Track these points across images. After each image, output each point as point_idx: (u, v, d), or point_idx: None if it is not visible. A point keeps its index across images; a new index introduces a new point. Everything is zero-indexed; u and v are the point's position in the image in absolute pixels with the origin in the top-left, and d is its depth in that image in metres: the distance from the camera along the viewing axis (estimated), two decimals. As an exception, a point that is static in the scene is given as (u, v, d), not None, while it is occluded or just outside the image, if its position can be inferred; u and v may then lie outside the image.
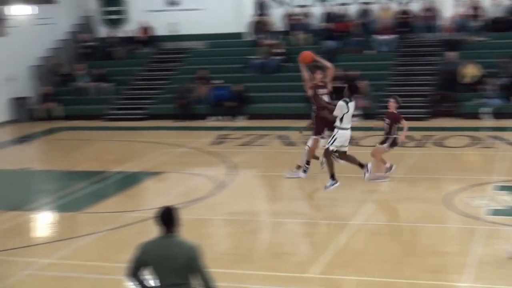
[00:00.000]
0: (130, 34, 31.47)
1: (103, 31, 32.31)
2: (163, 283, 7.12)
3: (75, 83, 29.39)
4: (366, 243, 12.54)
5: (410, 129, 22.44)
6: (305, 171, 16.58)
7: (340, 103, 15.35)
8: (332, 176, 15.76)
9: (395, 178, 16.74)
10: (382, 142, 16.88)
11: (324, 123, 16.15)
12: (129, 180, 18.03)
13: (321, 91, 16.42)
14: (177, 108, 26.82)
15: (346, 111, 15.47)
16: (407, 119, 23.90)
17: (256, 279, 11.07)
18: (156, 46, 31.24)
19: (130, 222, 14.12)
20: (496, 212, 13.81)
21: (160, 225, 7.11)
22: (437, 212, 14.17)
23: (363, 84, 25.25)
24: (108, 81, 29.30)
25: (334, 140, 15.57)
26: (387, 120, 16.91)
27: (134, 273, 7.32)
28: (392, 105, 16.90)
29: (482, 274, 10.83)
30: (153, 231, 7.40)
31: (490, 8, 28.27)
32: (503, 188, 15.56)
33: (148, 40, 31.28)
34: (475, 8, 28.11)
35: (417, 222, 13.52)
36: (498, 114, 24.10)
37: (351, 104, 15.55)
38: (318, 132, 16.35)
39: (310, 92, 16.46)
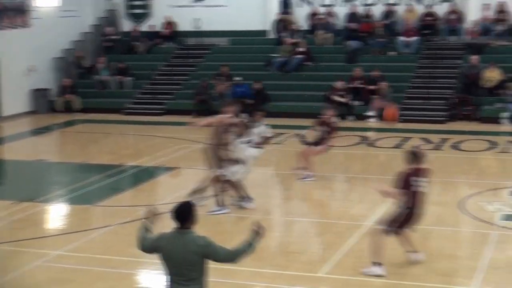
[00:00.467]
0: (153, 29, 31.53)
1: (126, 25, 32.41)
2: (174, 279, 7.14)
3: (96, 76, 29.50)
4: (376, 245, 12.47)
5: (429, 131, 22.59)
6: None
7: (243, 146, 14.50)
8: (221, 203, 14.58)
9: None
10: (315, 144, 17.09)
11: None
12: (144, 175, 18.07)
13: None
14: (196, 104, 26.84)
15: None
16: (426, 121, 24.18)
17: (265, 277, 11.07)
18: (178, 42, 31.29)
19: (143, 216, 14.12)
20: (510, 217, 13.71)
21: (175, 220, 7.12)
22: (450, 216, 14.11)
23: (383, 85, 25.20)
24: (129, 75, 29.37)
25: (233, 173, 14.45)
26: (325, 127, 17.10)
27: (144, 250, 7.39)
28: (330, 114, 17.25)
29: (492, 278, 10.77)
30: (166, 226, 7.42)
31: (515, 13, 28.06)
32: (518, 193, 15.48)
33: (171, 35, 31.32)
34: (500, 12, 27.91)
35: (430, 225, 13.40)
36: (518, 119, 23.94)
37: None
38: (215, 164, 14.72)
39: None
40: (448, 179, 16.96)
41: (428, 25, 28.48)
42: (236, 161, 14.33)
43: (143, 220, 7.61)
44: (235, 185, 14.56)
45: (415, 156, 10.91)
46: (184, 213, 7.11)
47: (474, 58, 25.87)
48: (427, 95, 25.60)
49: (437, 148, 20.51)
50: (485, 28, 27.72)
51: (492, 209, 14.25)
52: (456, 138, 21.60)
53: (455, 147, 20.59)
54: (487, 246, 12.12)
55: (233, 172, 14.34)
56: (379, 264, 10.87)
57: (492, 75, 25.28)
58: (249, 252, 7.23)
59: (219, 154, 14.35)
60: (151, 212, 7.69)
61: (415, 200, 10.76)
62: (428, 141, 21.26)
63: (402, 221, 10.87)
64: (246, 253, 7.22)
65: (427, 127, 23.42)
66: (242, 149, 14.41)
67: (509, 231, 12.97)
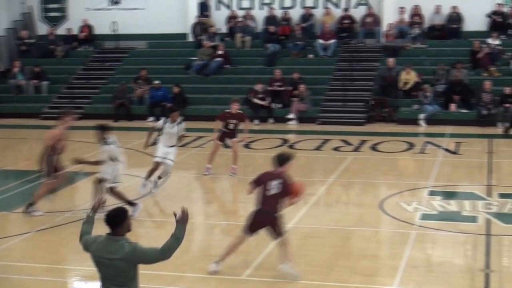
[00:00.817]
0: (70, 32, 31.09)
1: (42, 29, 31.87)
2: (105, 283, 7.12)
3: (12, 80, 28.90)
4: (298, 246, 12.52)
5: (348, 133, 22.86)
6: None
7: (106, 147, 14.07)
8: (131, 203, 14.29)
9: (331, 182, 16.81)
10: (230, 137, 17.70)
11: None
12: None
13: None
14: (115, 108, 26.56)
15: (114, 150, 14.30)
16: (344, 123, 24.49)
17: (187, 281, 10.99)
18: (96, 45, 30.92)
19: (63, 222, 13.90)
20: (428, 217, 13.97)
21: (107, 226, 7.04)
22: (370, 216, 14.27)
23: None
24: (45, 79, 28.88)
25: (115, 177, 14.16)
26: (234, 121, 17.56)
27: (81, 244, 7.30)
28: (235, 107, 17.66)
29: (412, 277, 10.92)
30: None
31: (430, 16, 28.66)
32: (435, 193, 15.76)
33: (88, 38, 30.94)
34: (416, 15, 28.45)
35: (351, 226, 13.58)
36: (434, 120, 24.42)
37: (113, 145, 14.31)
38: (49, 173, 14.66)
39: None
40: (367, 180, 17.19)
41: (345, 28, 28.88)
42: (105, 163, 14.05)
43: (89, 212, 7.59)
44: (103, 190, 14.21)
45: (277, 160, 10.88)
46: (115, 219, 7.03)
47: (391, 61, 26.32)
48: (346, 98, 25.91)
49: (356, 149, 20.77)
50: (401, 31, 28.21)
51: (411, 209, 14.48)
52: (374, 139, 21.93)
53: (374, 148, 20.88)
54: (407, 245, 12.29)
55: (106, 175, 14.05)
56: (220, 261, 11.09)
57: (409, 77, 25.76)
58: (178, 243, 7.13)
59: (53, 162, 14.45)
60: (99, 202, 7.75)
61: (264, 201, 10.74)
62: (347, 142, 21.51)
63: (252, 221, 10.89)
64: (175, 246, 7.11)
65: (346, 129, 23.71)
66: (111, 150, 14.10)
67: (427, 230, 13.19)
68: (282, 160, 10.87)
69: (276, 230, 10.83)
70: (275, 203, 10.76)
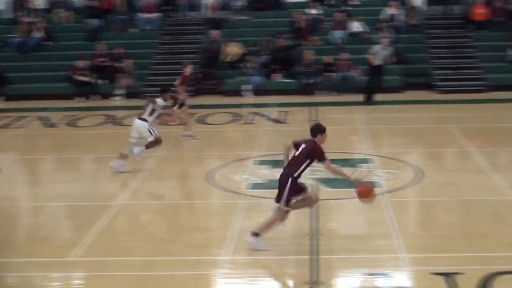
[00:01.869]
0: None
1: None
2: None
3: None
4: (129, 223, 12.41)
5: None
6: None
7: None
8: None
9: (160, 156, 16.71)
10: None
11: None
12: None
13: None
14: None
15: None
16: (170, 97, 24.29)
17: (15, 267, 10.59)
18: None
19: None
20: (256, 186, 14.15)
21: None
22: (200, 189, 14.34)
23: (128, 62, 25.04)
24: None
25: None
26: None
27: None
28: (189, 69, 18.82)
29: (242, 246, 11.01)
30: None
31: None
32: (263, 162, 15.98)
33: None
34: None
35: (181, 200, 13.61)
36: (259, 91, 24.76)
37: None
38: None
39: None
40: (196, 153, 17.24)
41: (168, 1, 28.71)
42: None
43: None
44: None
45: (310, 129, 10.75)
46: None
47: (214, 33, 26.40)
48: (171, 71, 25.78)
49: (183, 122, 20.70)
50: (224, 3, 28.36)
51: (238, 179, 14.62)
52: (202, 112, 21.98)
53: (202, 121, 20.94)
54: (236, 215, 12.40)
55: None
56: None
57: (233, 49, 25.94)
58: None
59: None
60: None
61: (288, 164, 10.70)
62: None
63: None
64: None
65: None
66: None
67: (256, 199, 13.36)
68: (312, 130, 10.67)
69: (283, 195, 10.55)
70: (295, 166, 10.51)
